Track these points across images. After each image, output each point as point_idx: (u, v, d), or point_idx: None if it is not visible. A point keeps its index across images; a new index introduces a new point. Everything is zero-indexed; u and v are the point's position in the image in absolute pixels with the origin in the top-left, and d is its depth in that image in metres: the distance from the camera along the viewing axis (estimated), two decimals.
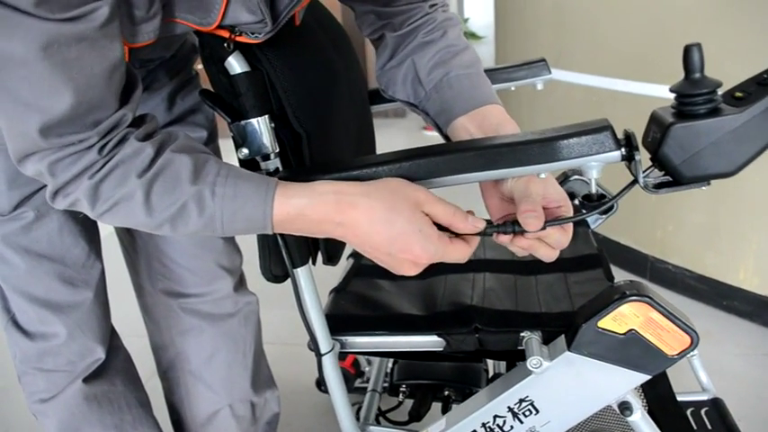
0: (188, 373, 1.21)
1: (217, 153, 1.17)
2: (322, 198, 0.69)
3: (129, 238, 1.16)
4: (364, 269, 1.19)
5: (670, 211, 2.24)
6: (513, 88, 1.30)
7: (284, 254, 0.85)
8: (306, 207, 0.69)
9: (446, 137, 0.90)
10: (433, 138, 4.78)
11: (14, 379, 1.07)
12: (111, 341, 1.11)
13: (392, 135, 4.71)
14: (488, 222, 0.74)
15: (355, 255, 1.25)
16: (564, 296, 1.03)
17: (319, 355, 0.93)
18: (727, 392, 1.35)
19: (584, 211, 1.06)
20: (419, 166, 0.70)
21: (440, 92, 0.90)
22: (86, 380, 1.05)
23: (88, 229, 1.01)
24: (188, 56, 1.11)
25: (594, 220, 1.29)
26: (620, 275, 2.48)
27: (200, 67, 0.95)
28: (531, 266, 1.14)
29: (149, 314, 1.22)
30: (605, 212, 1.19)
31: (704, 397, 1.31)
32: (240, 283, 1.23)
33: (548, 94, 2.59)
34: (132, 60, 0.90)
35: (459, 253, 0.72)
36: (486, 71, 1.31)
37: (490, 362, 1.38)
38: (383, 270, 1.17)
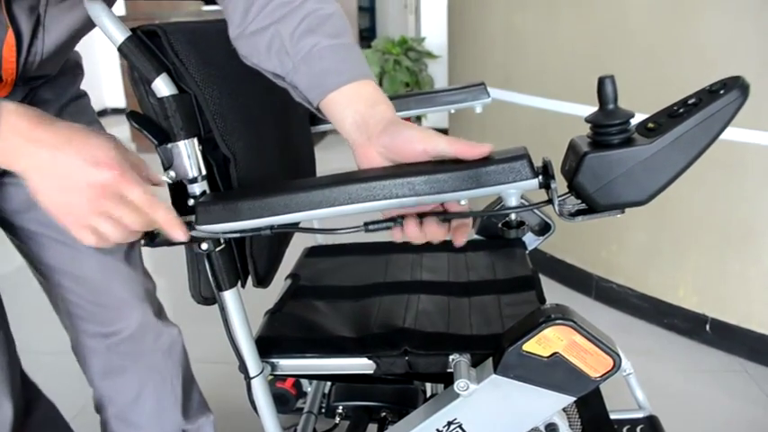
0: (114, 417, 1.19)
1: None
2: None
3: (40, 277, 1.13)
4: (301, 290, 1.19)
5: (614, 232, 2.29)
6: (452, 111, 1.32)
7: (210, 277, 0.85)
8: None
9: (317, 111, 0.85)
10: None
11: None
12: (26, 393, 1.05)
13: (347, 152, 4.70)
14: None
15: (293, 275, 1.25)
16: (496, 318, 1.04)
17: (248, 378, 0.92)
18: (666, 409, 1.38)
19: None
20: (340, 192, 0.70)
21: (309, 64, 0.82)
22: None
23: None
24: (74, 73, 1.09)
25: (532, 242, 1.31)
26: (567, 294, 2.52)
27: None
28: (466, 288, 1.15)
29: (74, 353, 1.19)
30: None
31: (640, 414, 1.34)
32: (159, 315, 1.20)
33: (497, 113, 2.64)
34: (17, 79, 0.90)
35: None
36: (426, 93, 1.34)
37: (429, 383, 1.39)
38: (320, 292, 1.19)
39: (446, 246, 1.31)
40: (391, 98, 1.29)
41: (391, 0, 6.05)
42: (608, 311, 2.39)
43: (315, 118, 1.27)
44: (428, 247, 1.29)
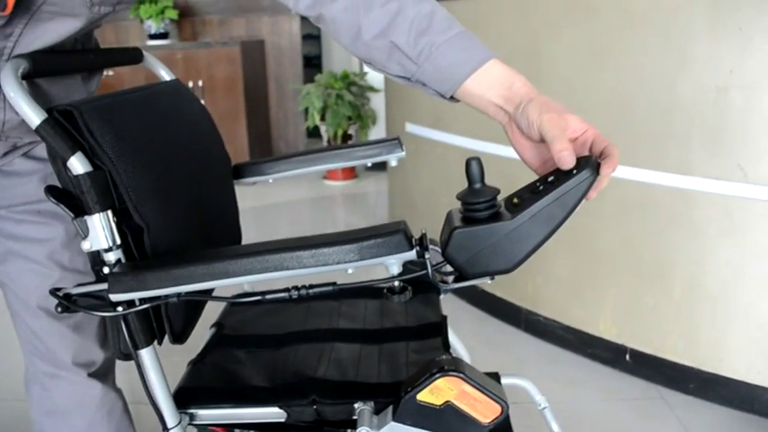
0: None
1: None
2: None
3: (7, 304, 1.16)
4: (224, 340, 1.25)
5: (538, 265, 2.39)
6: (369, 164, 1.39)
7: (126, 336, 0.91)
8: None
9: (452, 99, 0.92)
10: (333, 187, 4.89)
11: None
12: None
13: (293, 184, 4.78)
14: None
15: (218, 324, 1.31)
16: (402, 365, 1.12)
17: (165, 430, 0.98)
18: None
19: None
20: (238, 264, 0.78)
21: (432, 63, 0.88)
22: None
23: None
24: None
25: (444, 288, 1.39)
26: (498, 326, 2.62)
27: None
28: (379, 335, 1.23)
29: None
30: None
31: None
32: (103, 378, 1.21)
33: (428, 151, 2.75)
34: None
35: None
36: (345, 148, 1.41)
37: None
38: (242, 341, 1.25)
39: (365, 291, 1.39)
40: (311, 153, 1.38)
41: None
42: (536, 342, 2.49)
43: (240, 171, 1.34)
44: (347, 292, 1.37)
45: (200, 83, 4.87)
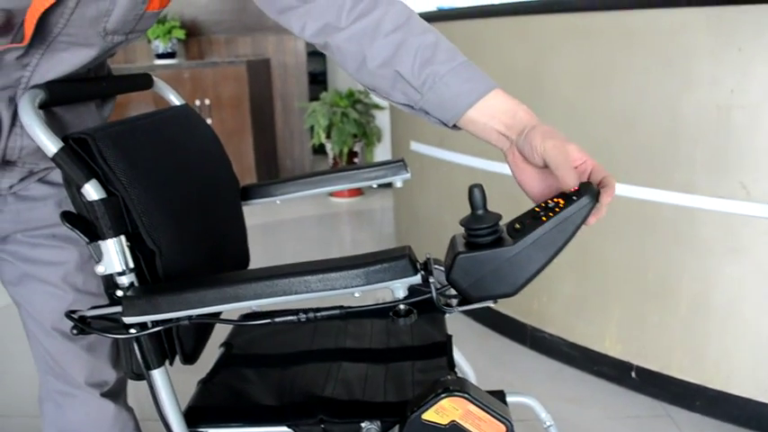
0: None
1: None
2: None
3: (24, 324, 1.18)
4: (233, 359, 1.27)
5: (544, 284, 2.41)
6: (374, 185, 1.42)
7: (139, 357, 0.93)
8: None
9: (453, 127, 0.96)
10: (339, 204, 4.92)
11: None
12: None
13: (300, 201, 4.80)
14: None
15: (226, 344, 1.33)
16: (408, 384, 1.14)
17: None
18: None
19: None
20: (247, 289, 0.80)
21: (436, 92, 0.91)
22: None
23: None
24: None
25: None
26: (504, 343, 2.64)
27: None
28: (385, 355, 1.25)
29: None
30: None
31: None
32: (115, 398, 1.23)
33: (433, 169, 2.77)
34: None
35: None
36: (351, 170, 1.44)
37: None
38: (250, 360, 1.27)
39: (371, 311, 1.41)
40: (317, 174, 1.41)
41: None
42: (542, 359, 2.50)
43: (248, 193, 1.37)
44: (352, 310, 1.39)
45: (207, 101, 4.91)
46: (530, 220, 0.80)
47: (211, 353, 1.26)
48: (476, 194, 0.78)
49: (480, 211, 0.78)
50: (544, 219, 0.78)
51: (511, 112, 0.90)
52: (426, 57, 0.91)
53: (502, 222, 0.80)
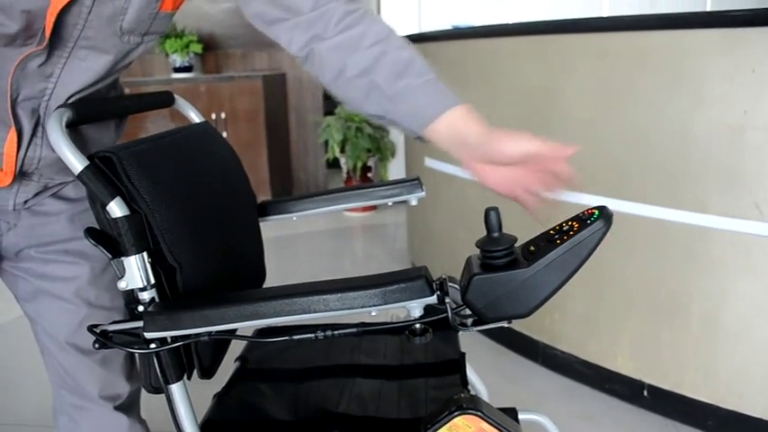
0: None
1: None
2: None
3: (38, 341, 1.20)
4: (248, 373, 1.29)
5: (556, 301, 2.40)
6: (390, 203, 1.44)
7: (158, 372, 0.95)
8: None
9: (419, 139, 1.04)
10: (353, 219, 4.94)
11: None
12: None
13: (314, 215, 4.82)
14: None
15: (242, 358, 1.35)
16: (422, 402, 1.15)
17: None
18: None
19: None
20: (267, 306, 0.82)
21: (407, 102, 1.00)
22: None
23: None
24: None
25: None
26: (516, 360, 2.64)
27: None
28: (398, 371, 1.26)
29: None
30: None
31: None
32: (127, 411, 1.24)
33: (447, 186, 2.79)
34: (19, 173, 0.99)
35: None
36: (367, 188, 1.45)
37: None
38: (265, 375, 1.29)
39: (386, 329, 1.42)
40: (333, 192, 1.43)
41: None
42: (554, 377, 2.50)
43: (265, 209, 1.39)
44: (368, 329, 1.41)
45: (223, 115, 4.96)
46: (544, 243, 0.81)
47: (226, 366, 1.28)
48: (492, 217, 0.80)
49: (496, 234, 0.80)
50: (558, 242, 0.79)
51: (465, 122, 0.98)
52: (402, 69, 0.99)
53: (516, 244, 0.82)
